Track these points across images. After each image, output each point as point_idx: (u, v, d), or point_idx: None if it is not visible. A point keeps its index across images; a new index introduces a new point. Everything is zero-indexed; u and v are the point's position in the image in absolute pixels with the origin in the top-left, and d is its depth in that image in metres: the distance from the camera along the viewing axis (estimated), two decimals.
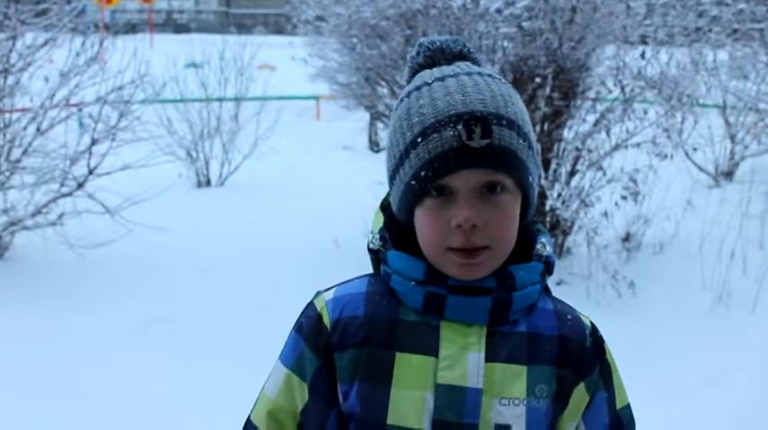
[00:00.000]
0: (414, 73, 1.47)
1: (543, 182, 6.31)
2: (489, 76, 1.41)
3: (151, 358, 5.01)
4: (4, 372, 4.80)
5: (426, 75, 1.42)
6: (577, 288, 6.07)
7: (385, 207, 1.50)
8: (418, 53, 1.48)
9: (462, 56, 1.47)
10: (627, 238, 6.93)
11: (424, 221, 1.38)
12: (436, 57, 1.46)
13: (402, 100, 1.43)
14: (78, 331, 5.38)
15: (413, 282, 1.39)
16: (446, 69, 1.42)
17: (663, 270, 6.60)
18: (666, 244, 7.00)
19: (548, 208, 6.57)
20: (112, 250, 6.59)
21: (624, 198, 6.57)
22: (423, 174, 1.34)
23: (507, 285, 1.38)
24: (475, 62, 1.46)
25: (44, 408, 4.39)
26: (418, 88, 1.40)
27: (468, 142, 1.31)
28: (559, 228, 6.71)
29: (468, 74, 1.40)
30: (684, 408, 4.55)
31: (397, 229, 1.45)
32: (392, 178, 1.43)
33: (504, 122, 1.34)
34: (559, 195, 6.46)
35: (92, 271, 6.41)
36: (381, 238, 1.45)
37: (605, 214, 6.51)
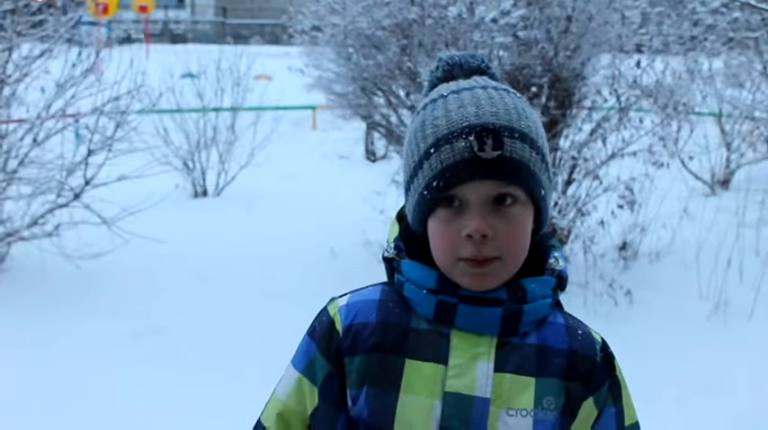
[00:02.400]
0: (432, 87, 1.49)
1: None
2: (505, 90, 1.42)
3: (148, 368, 5.00)
4: (1, 382, 4.79)
5: (443, 88, 1.44)
6: (574, 297, 6.06)
7: (401, 217, 1.52)
8: (437, 68, 1.50)
9: (480, 71, 1.48)
10: (623, 247, 6.94)
11: (435, 231, 1.39)
12: (455, 71, 1.48)
13: (418, 113, 1.45)
14: (75, 341, 5.37)
15: (425, 291, 1.40)
16: (462, 83, 1.44)
17: (659, 278, 6.60)
18: (663, 252, 7.00)
19: None
20: (109, 261, 6.59)
21: (621, 207, 6.58)
22: (434, 184, 1.36)
23: (519, 297, 1.39)
24: (492, 77, 1.48)
25: (40, 418, 4.38)
26: (434, 101, 1.43)
27: (480, 153, 1.33)
28: (556, 237, 6.70)
29: (484, 87, 1.41)
30: (683, 417, 4.55)
31: (411, 239, 1.47)
32: (407, 189, 1.45)
33: (517, 135, 1.36)
34: (556, 204, 6.46)
35: (88, 281, 6.40)
36: (396, 247, 1.47)
37: (602, 223, 6.52)
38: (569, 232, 6.71)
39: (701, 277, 6.25)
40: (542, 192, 1.40)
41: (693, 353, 5.37)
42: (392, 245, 1.47)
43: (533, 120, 1.41)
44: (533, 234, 1.43)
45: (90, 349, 5.28)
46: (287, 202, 9.43)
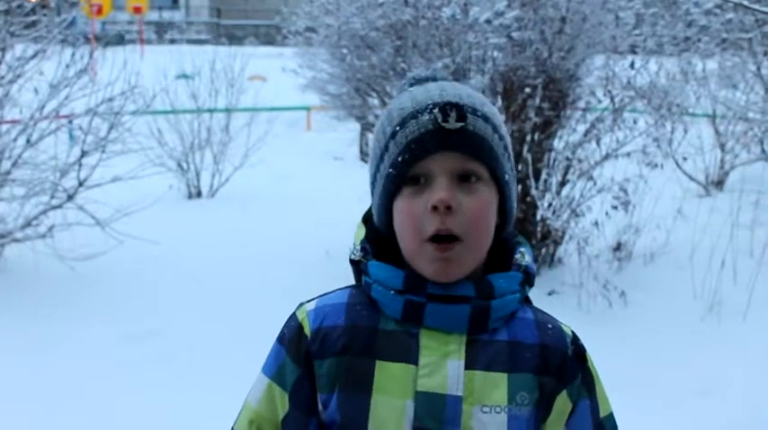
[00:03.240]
0: None
1: (534, 191, 6.32)
2: (470, 87, 1.48)
3: (143, 369, 4.99)
4: None
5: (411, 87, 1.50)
6: (569, 298, 6.07)
7: (366, 220, 1.53)
8: (405, 83, 1.54)
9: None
10: (618, 248, 6.94)
11: (401, 210, 1.41)
12: (422, 82, 1.51)
13: (386, 107, 1.50)
14: (70, 343, 5.36)
15: (392, 292, 1.40)
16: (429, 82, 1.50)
17: (654, 279, 6.61)
18: (657, 253, 7.01)
19: (539, 218, 6.58)
20: (103, 262, 6.57)
21: (615, 207, 6.58)
22: (400, 158, 1.38)
23: (486, 294, 1.40)
24: None
25: (35, 420, 4.36)
26: (400, 95, 1.48)
27: (444, 124, 1.37)
28: (550, 238, 6.72)
29: (449, 81, 1.48)
30: (677, 417, 4.55)
31: (378, 241, 1.48)
32: (373, 179, 1.47)
33: (479, 114, 1.40)
34: (550, 205, 6.47)
35: (83, 283, 6.39)
36: (362, 249, 1.47)
37: (596, 224, 6.52)
38: (563, 233, 6.71)
39: (696, 278, 6.26)
40: (506, 176, 1.43)
41: (687, 353, 5.38)
42: (358, 247, 1.48)
43: (495, 112, 1.46)
44: (500, 230, 1.45)
45: (85, 351, 5.26)
46: (281, 203, 9.43)
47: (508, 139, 1.47)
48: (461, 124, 1.37)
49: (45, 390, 4.72)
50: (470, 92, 1.44)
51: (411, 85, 1.51)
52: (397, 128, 1.40)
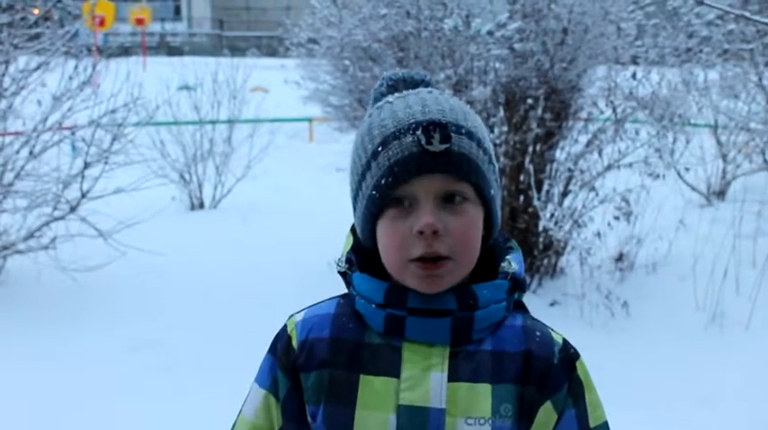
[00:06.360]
0: (376, 101, 1.50)
1: (536, 202, 6.32)
2: (450, 95, 1.45)
3: (145, 381, 4.99)
4: None
5: (389, 96, 1.46)
6: (571, 308, 6.07)
7: (355, 230, 1.51)
8: (381, 84, 1.51)
9: (425, 83, 1.50)
10: (620, 258, 6.93)
11: (385, 232, 1.38)
12: (398, 85, 1.49)
13: (364, 120, 1.46)
14: (71, 354, 5.36)
15: (374, 305, 1.40)
16: (408, 91, 1.46)
17: (656, 290, 6.60)
18: (659, 263, 7.00)
19: (540, 228, 6.58)
20: (105, 274, 6.57)
21: (617, 218, 6.58)
22: (383, 181, 1.35)
23: (469, 305, 1.38)
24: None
25: None
26: (380, 107, 1.44)
27: (428, 146, 1.33)
28: (552, 249, 6.71)
29: (429, 92, 1.44)
30: (679, 428, 4.54)
31: (363, 252, 1.46)
32: (355, 196, 1.44)
33: (464, 131, 1.37)
34: (552, 216, 6.47)
35: (85, 294, 6.39)
36: (348, 261, 1.46)
37: (598, 234, 6.52)
38: (566, 244, 6.71)
39: (698, 288, 6.25)
40: (491, 191, 1.40)
41: (690, 364, 5.37)
42: (344, 258, 1.47)
43: (479, 123, 1.43)
44: (485, 240, 1.43)
45: (87, 361, 5.26)
46: (283, 215, 9.42)
47: (492, 150, 1.44)
48: (446, 145, 1.34)
49: (47, 400, 4.71)
50: (452, 104, 1.41)
51: (388, 87, 1.48)
52: (379, 148, 1.36)
